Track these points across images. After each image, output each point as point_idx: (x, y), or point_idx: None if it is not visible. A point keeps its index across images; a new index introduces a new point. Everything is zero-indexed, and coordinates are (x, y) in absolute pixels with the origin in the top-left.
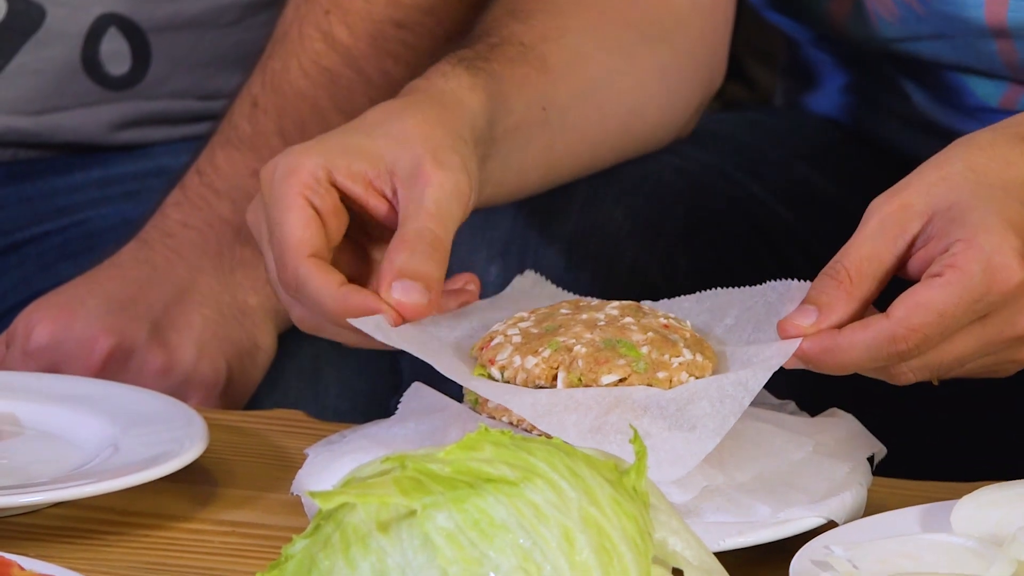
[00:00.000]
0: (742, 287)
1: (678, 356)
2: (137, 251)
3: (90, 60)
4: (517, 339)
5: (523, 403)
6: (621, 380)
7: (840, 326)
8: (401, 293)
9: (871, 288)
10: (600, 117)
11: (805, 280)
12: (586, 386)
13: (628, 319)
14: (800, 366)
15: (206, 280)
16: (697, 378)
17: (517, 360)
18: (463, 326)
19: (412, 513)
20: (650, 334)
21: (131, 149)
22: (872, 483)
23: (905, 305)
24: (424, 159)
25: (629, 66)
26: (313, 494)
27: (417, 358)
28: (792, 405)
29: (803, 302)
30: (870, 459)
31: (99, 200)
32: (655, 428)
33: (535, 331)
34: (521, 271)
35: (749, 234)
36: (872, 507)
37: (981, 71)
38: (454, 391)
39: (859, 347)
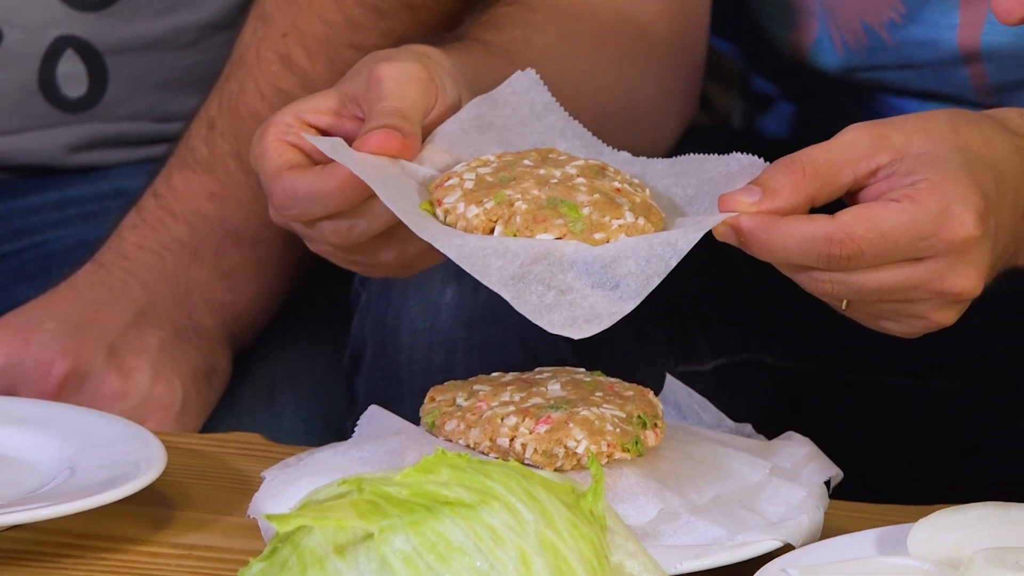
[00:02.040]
0: (710, 155)
1: (619, 219)
2: (93, 273)
3: (47, 82)
4: (469, 185)
5: (450, 244)
6: (557, 239)
7: (779, 213)
8: (373, 135)
9: (820, 190)
10: (571, 108)
11: (764, 160)
12: None
13: (581, 179)
14: (732, 240)
15: (162, 302)
16: None
17: (461, 207)
18: (436, 154)
19: (369, 536)
20: (596, 196)
21: (88, 171)
22: (829, 506)
23: (854, 213)
24: (374, 66)
25: (597, 74)
26: (270, 517)
27: (372, 383)
28: (749, 428)
29: (751, 182)
30: (827, 482)
31: (56, 222)
32: (579, 283)
33: (490, 179)
34: (475, 293)
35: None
36: (829, 530)
37: (946, 96)
38: (410, 414)
39: (795, 236)
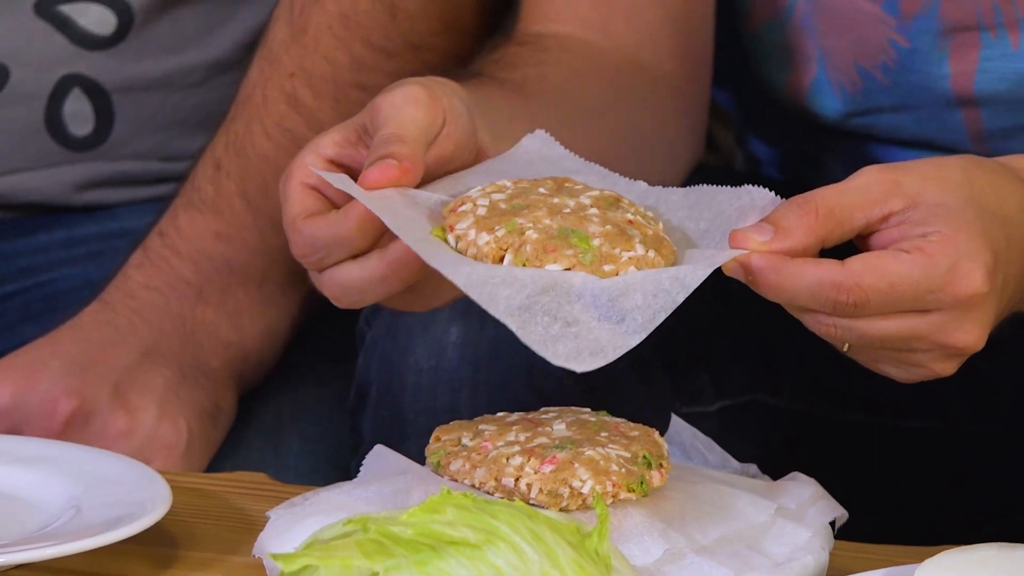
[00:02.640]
0: (723, 186)
1: (630, 251)
2: (99, 312)
3: (53, 121)
4: (482, 211)
5: (459, 272)
6: (566, 270)
7: (790, 254)
8: (371, 170)
9: (831, 232)
10: (585, 145)
11: (780, 196)
12: None
13: (594, 210)
14: (740, 277)
15: (168, 342)
16: None
17: (472, 234)
18: (451, 187)
19: (375, 575)
20: (608, 227)
21: (94, 210)
22: (834, 547)
23: (864, 261)
24: (375, 98)
25: (607, 115)
26: (275, 556)
27: (377, 422)
28: (754, 468)
29: (763, 219)
30: (832, 523)
31: (62, 261)
32: (585, 316)
33: (503, 206)
34: (481, 332)
35: (712, 300)
36: (834, 571)
37: (940, 145)
38: (415, 454)
39: (804, 279)
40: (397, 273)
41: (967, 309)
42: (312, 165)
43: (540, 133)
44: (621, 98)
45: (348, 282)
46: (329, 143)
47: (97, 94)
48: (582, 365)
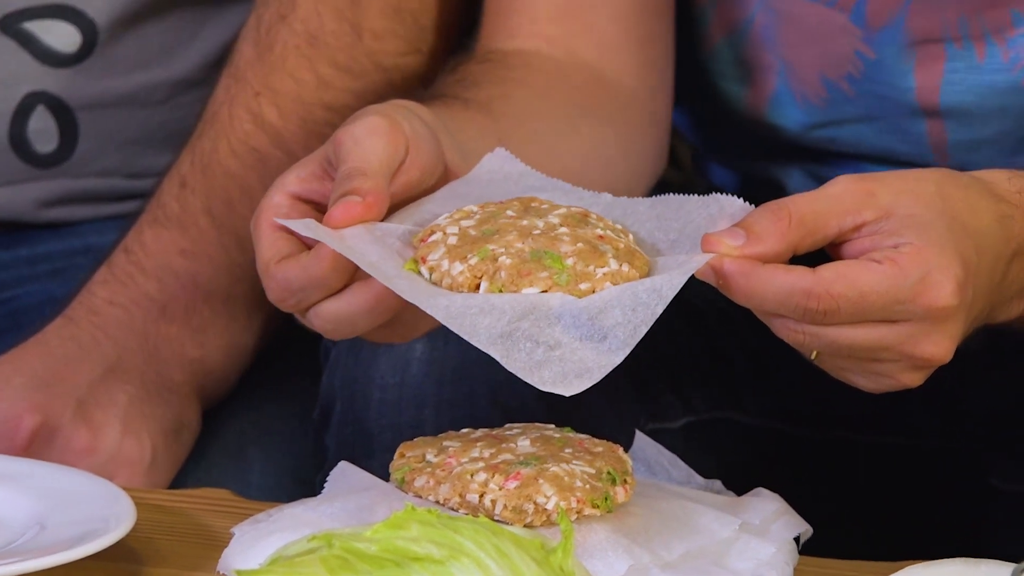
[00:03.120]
0: (691, 195)
1: (604, 267)
2: (63, 329)
3: (17, 138)
4: (453, 240)
5: (437, 305)
6: (543, 293)
7: (761, 259)
8: (336, 209)
9: (803, 240)
10: (551, 161)
11: (749, 204)
12: None
13: (564, 229)
14: (712, 280)
15: (132, 358)
16: None
17: (445, 264)
18: (418, 215)
19: None
20: (580, 245)
21: (58, 227)
22: (798, 562)
23: (835, 270)
24: (338, 130)
25: (572, 132)
26: (240, 573)
27: (341, 438)
28: (718, 484)
29: (736, 224)
30: (797, 538)
31: (26, 278)
32: (566, 337)
33: (473, 232)
34: (445, 348)
35: (679, 317)
36: None
37: (902, 158)
38: (380, 470)
39: (774, 285)
40: (384, 303)
41: (936, 321)
42: (279, 204)
43: (500, 151)
44: (585, 115)
45: (337, 317)
46: (294, 180)
47: (62, 111)
48: (569, 388)
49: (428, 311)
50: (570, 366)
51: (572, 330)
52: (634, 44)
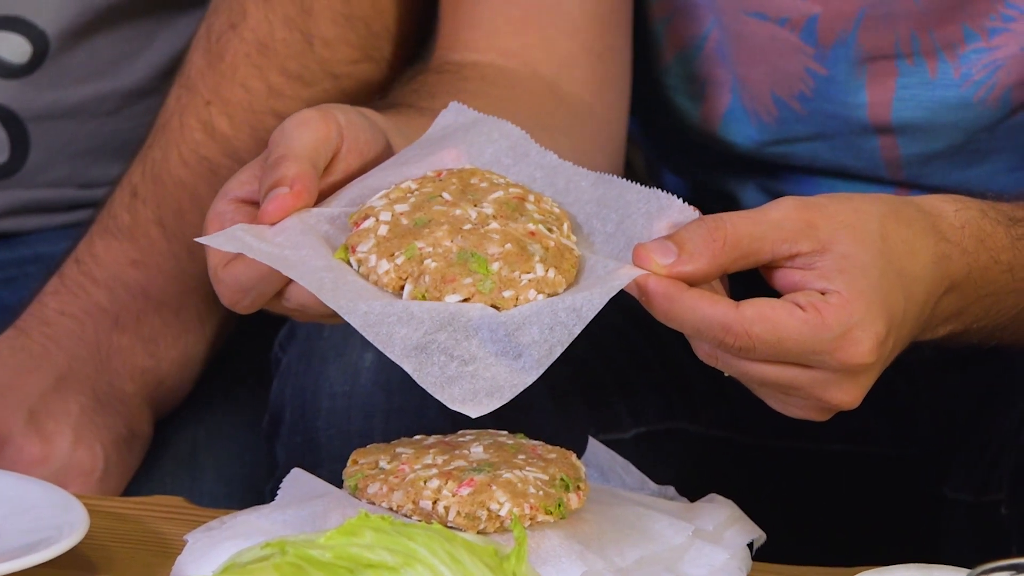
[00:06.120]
0: (633, 183)
1: (529, 272)
2: (14, 339)
3: None
4: (383, 230)
5: (357, 312)
6: (465, 301)
7: (690, 278)
8: (266, 205)
9: (735, 262)
10: None
11: (690, 206)
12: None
13: (496, 224)
14: (636, 295)
15: (83, 368)
16: (548, 295)
17: (372, 259)
18: (358, 189)
19: None
20: (508, 246)
21: (8, 237)
22: (752, 568)
23: (757, 310)
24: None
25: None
26: None
27: (291, 447)
28: (672, 490)
29: (669, 237)
30: (750, 544)
31: None
32: (482, 352)
33: (404, 222)
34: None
35: (627, 327)
36: None
37: (856, 174)
38: (329, 478)
39: (696, 313)
40: None
41: (849, 375)
42: (223, 212)
43: (454, 104)
44: (542, 127)
45: (302, 302)
46: (236, 185)
47: (12, 122)
48: (478, 408)
49: (348, 320)
50: (481, 383)
51: (488, 344)
52: (592, 59)
